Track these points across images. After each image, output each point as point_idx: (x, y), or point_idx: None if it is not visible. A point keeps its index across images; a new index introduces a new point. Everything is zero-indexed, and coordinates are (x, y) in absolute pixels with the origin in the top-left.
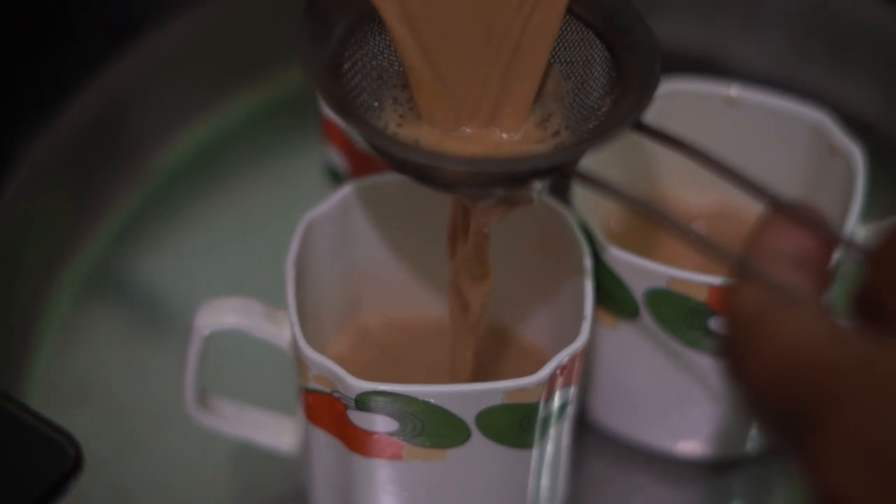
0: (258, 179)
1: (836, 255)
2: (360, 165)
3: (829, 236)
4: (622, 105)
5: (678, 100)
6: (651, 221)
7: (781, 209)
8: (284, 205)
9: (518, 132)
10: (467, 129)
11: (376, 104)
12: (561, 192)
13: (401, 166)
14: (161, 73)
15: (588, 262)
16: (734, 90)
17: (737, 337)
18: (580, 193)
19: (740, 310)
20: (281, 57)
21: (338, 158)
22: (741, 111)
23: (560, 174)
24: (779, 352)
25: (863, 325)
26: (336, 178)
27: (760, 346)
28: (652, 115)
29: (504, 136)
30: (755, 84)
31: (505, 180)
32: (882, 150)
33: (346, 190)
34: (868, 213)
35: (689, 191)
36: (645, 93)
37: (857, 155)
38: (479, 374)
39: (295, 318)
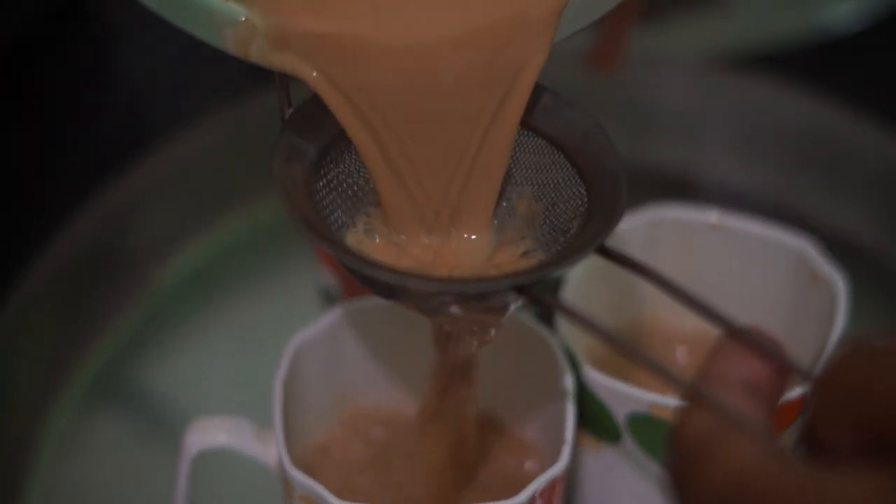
0: (254, 298)
1: (803, 387)
2: (353, 287)
3: (783, 364)
4: (588, 229)
5: (665, 227)
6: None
7: (737, 335)
8: (279, 323)
9: (485, 248)
10: (434, 242)
11: (350, 221)
12: (546, 314)
13: (368, 283)
14: (158, 194)
15: (570, 386)
16: (718, 217)
17: (682, 461)
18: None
19: (687, 434)
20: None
21: (330, 280)
22: (726, 237)
23: (525, 296)
24: (723, 478)
25: (806, 457)
26: (329, 299)
27: (705, 471)
28: (641, 242)
29: (475, 256)
30: (746, 206)
31: (468, 300)
32: (872, 274)
33: (335, 313)
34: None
35: (672, 314)
36: (610, 219)
37: (839, 283)
38: (461, 470)
39: (281, 439)
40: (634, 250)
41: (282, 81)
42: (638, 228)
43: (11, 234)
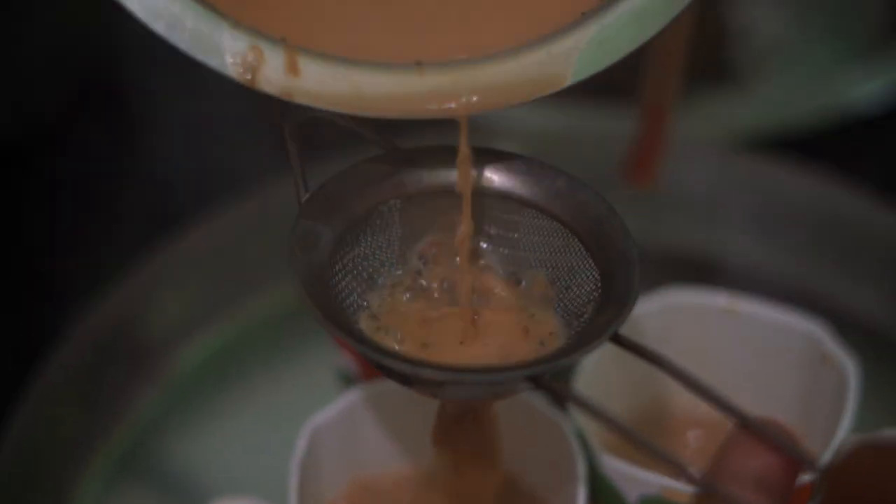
0: (273, 380)
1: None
2: (370, 370)
3: (795, 457)
4: (601, 316)
5: (680, 311)
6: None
7: (749, 428)
8: (298, 405)
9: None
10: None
11: (365, 304)
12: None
13: (383, 370)
14: (179, 277)
15: (581, 469)
16: (730, 302)
17: None
18: (585, 381)
19: None
20: None
21: (348, 362)
22: (738, 321)
23: (538, 385)
24: None
25: None
26: (347, 381)
27: None
28: (656, 326)
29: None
30: (761, 287)
31: (480, 390)
32: (886, 357)
33: (352, 395)
34: (866, 423)
35: (687, 398)
36: (623, 307)
37: (849, 366)
38: None
39: None
40: (649, 334)
41: (298, 164)
42: (653, 313)
43: (32, 320)
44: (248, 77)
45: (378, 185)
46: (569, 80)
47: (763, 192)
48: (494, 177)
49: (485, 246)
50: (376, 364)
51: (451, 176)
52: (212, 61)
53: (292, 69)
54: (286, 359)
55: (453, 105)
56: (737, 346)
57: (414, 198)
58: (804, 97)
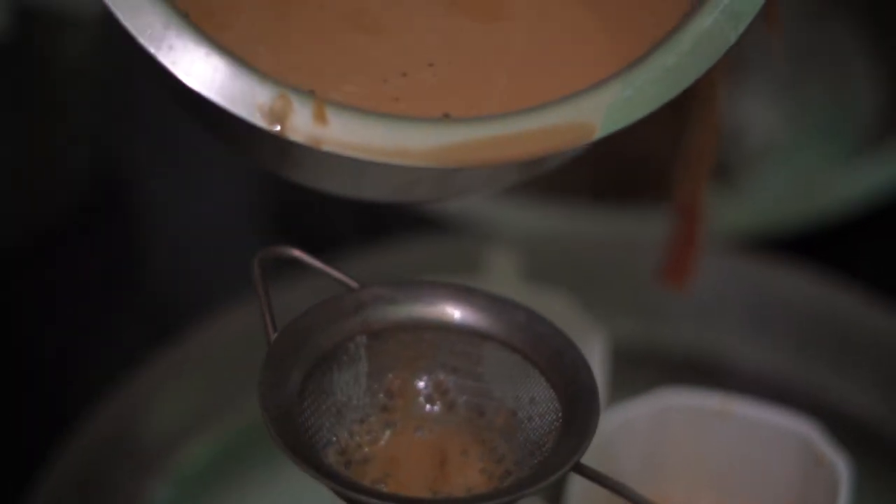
0: (277, 476)
1: None
2: None
3: None
4: (563, 447)
5: (673, 413)
6: None
7: None
8: (301, 501)
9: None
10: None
11: (334, 439)
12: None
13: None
14: (179, 381)
15: None
16: (724, 403)
17: None
18: (575, 494)
19: None
20: None
21: None
22: (732, 422)
23: None
24: None
25: None
26: None
27: None
28: (649, 428)
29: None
30: (755, 387)
31: None
32: (881, 455)
33: None
34: None
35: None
36: (583, 438)
37: (842, 467)
38: None
39: None
40: (643, 436)
41: (267, 304)
42: (647, 416)
43: (33, 425)
44: (277, 127)
45: (344, 321)
46: (598, 132)
47: (756, 292)
48: (457, 311)
49: (447, 379)
50: (345, 498)
51: (416, 311)
52: (241, 112)
53: (320, 118)
54: (283, 462)
55: (483, 155)
56: (731, 448)
57: (380, 333)
58: (796, 197)
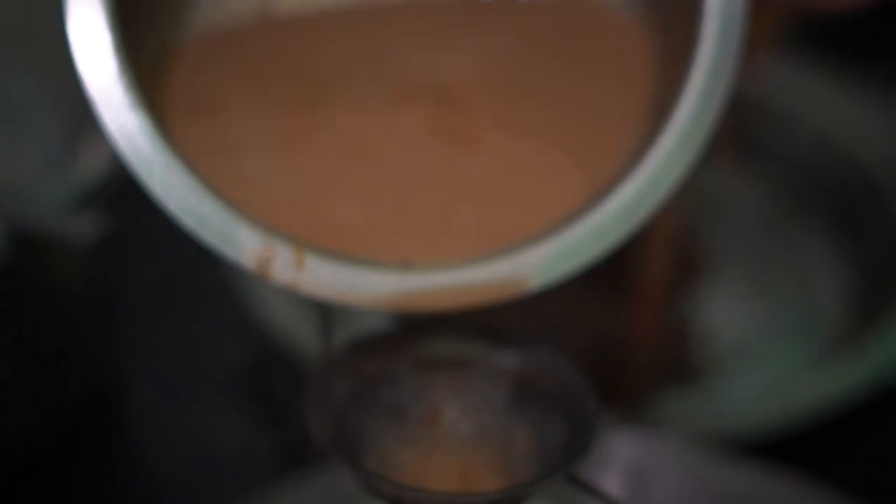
0: None
1: None
2: None
3: None
4: (563, 461)
5: None
6: None
7: None
8: None
9: None
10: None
11: (371, 448)
12: None
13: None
14: None
15: None
16: None
17: None
18: None
19: None
20: None
21: None
22: None
23: None
24: None
25: None
26: None
27: None
28: None
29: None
30: None
31: None
32: None
33: None
34: None
35: None
36: (580, 453)
37: None
38: None
39: None
40: None
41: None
42: None
43: None
44: (262, 271)
45: (393, 351)
46: (534, 285)
47: (731, 500)
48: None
49: (478, 405)
50: (375, 489)
51: (460, 349)
52: (231, 255)
53: (299, 265)
54: None
55: (431, 304)
56: None
57: (425, 364)
58: (766, 400)
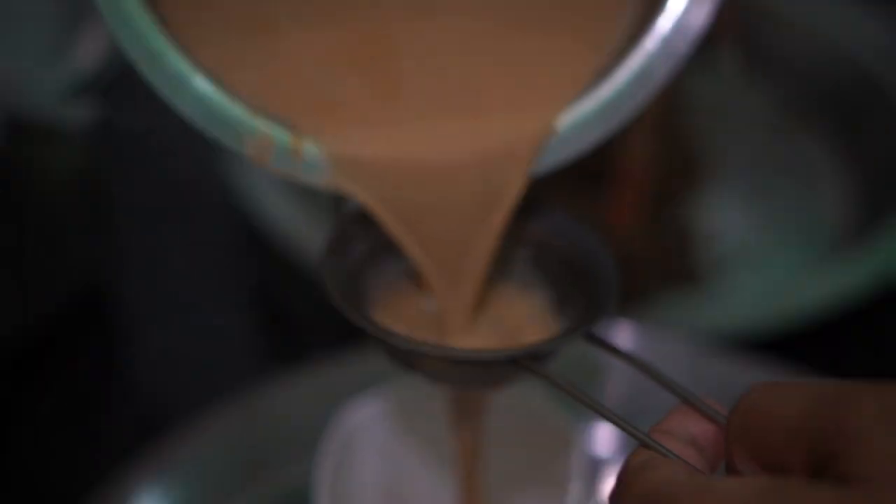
0: None
1: None
2: None
3: (723, 426)
4: (582, 321)
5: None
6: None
7: (689, 402)
8: None
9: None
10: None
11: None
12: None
13: (391, 354)
14: (166, 480)
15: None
16: None
17: (621, 481)
18: None
19: (630, 463)
20: (284, 456)
21: None
22: None
23: (520, 368)
24: (646, 483)
25: None
26: None
27: (635, 480)
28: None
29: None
30: None
31: (472, 372)
32: None
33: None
34: None
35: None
36: (597, 315)
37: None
38: None
39: None
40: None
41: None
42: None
43: None
44: (260, 159)
45: None
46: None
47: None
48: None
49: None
50: (383, 344)
51: None
52: (232, 144)
53: (296, 154)
54: None
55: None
56: None
57: None
58: (766, 302)
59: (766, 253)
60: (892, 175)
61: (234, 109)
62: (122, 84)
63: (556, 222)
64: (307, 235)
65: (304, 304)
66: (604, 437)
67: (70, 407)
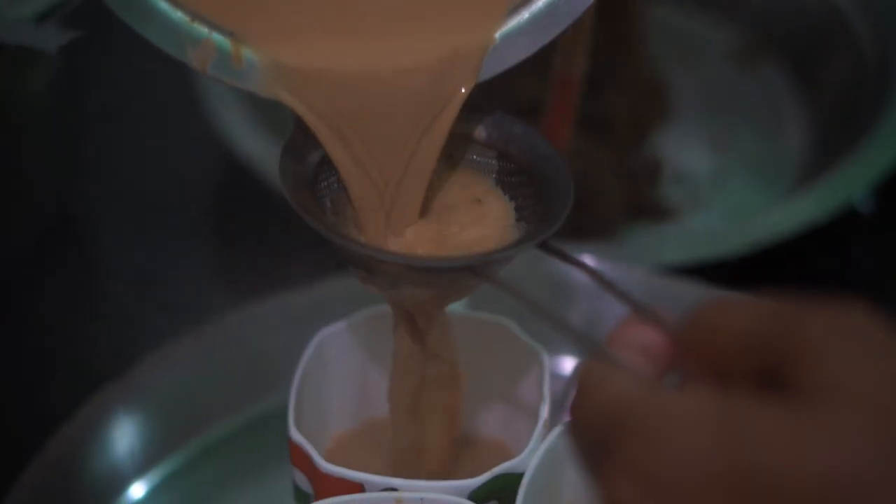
0: (234, 498)
1: None
2: (324, 488)
3: (674, 334)
4: (537, 228)
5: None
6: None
7: (640, 311)
8: None
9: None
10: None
11: (334, 208)
12: None
13: (348, 260)
14: (137, 405)
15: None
16: None
17: (577, 395)
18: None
19: (583, 375)
20: (259, 382)
21: (302, 480)
22: None
23: (475, 276)
24: (601, 401)
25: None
26: (304, 499)
27: (589, 394)
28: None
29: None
30: None
31: (429, 278)
32: None
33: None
34: None
35: None
36: (553, 223)
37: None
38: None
39: (292, 405)
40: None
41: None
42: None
43: None
44: (200, 65)
45: None
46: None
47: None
48: (461, 122)
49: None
50: (341, 250)
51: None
52: (173, 51)
53: (237, 60)
54: (243, 479)
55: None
56: None
57: None
58: (732, 233)
59: (730, 187)
60: (854, 106)
61: (177, 16)
62: (93, 7)
63: (511, 129)
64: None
65: (281, 232)
66: (570, 362)
67: (45, 334)
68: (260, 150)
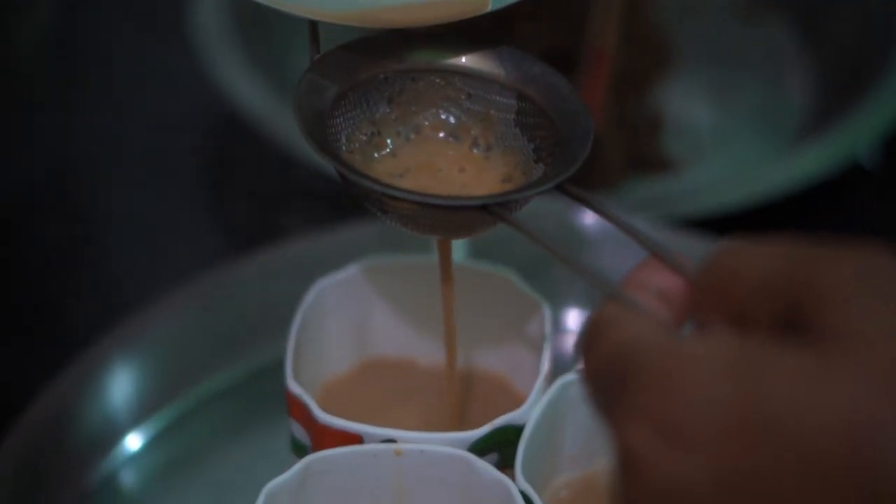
0: (229, 452)
1: None
2: (321, 439)
3: (692, 278)
4: (555, 170)
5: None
6: None
7: (659, 255)
8: (253, 476)
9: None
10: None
11: (352, 146)
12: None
13: (361, 198)
14: (132, 355)
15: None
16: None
17: (587, 334)
18: (529, 466)
19: (597, 316)
20: (256, 333)
21: (301, 433)
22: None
23: (490, 215)
24: (613, 340)
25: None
26: (301, 450)
27: (602, 339)
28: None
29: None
30: None
31: (443, 217)
32: None
33: (303, 463)
34: None
35: None
36: (571, 165)
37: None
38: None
39: (290, 356)
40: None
41: (312, 33)
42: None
43: None
44: None
45: (380, 58)
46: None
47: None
48: (481, 62)
49: (468, 118)
50: (354, 186)
51: (446, 59)
52: None
53: None
54: (240, 431)
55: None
56: None
57: (411, 73)
58: (736, 185)
59: (733, 140)
60: (859, 59)
61: None
62: None
63: (531, 69)
64: (280, 115)
65: (278, 182)
66: (575, 316)
67: (39, 283)
68: (258, 98)
